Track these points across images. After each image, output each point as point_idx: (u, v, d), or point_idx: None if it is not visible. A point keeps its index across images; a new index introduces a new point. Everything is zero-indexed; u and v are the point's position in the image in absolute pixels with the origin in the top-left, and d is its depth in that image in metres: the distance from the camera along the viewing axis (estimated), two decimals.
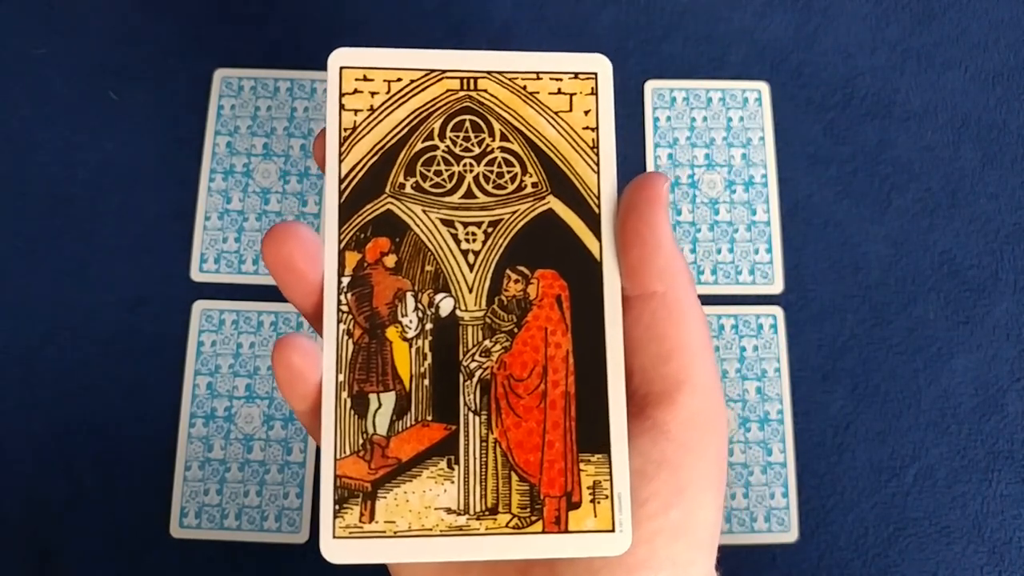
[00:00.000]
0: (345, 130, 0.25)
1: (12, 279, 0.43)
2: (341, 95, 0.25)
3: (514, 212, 0.25)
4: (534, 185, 0.25)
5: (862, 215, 0.44)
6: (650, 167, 0.44)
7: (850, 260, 0.43)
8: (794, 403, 0.42)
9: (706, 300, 0.43)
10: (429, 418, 0.24)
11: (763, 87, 0.46)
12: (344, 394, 0.24)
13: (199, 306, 0.42)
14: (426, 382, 0.24)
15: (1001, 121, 0.45)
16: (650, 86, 0.46)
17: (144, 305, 0.42)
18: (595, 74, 0.26)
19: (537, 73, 0.26)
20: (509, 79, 0.26)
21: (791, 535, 0.40)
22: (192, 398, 0.41)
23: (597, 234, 0.25)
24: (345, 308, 0.24)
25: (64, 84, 0.45)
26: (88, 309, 0.42)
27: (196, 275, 0.43)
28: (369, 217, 0.25)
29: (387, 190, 0.25)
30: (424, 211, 0.25)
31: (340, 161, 0.25)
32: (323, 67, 0.46)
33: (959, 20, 0.47)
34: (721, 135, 0.45)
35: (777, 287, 0.43)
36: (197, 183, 0.44)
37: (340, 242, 0.25)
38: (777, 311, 0.43)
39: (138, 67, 0.45)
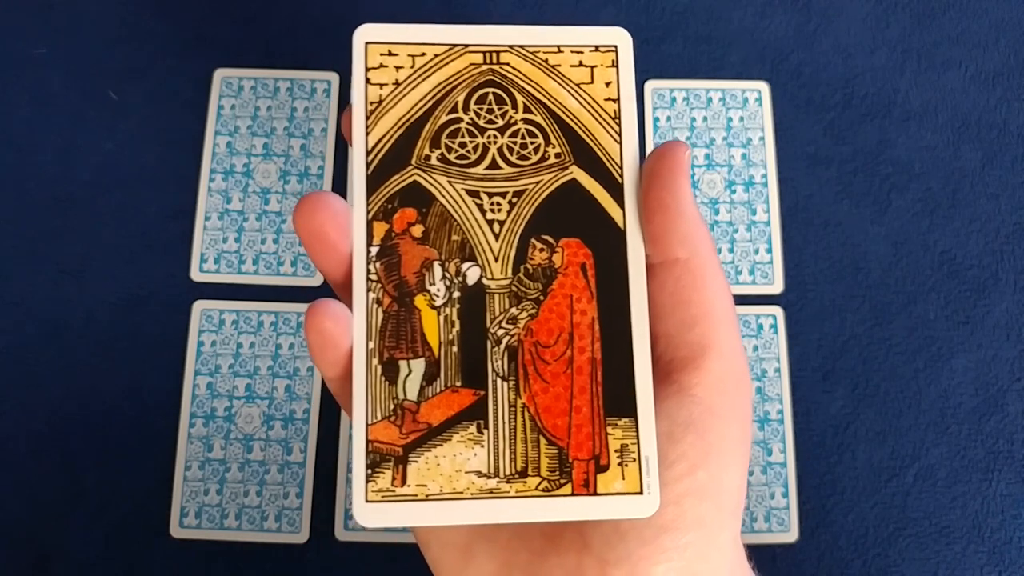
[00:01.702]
0: (371, 104, 0.26)
1: (12, 279, 0.43)
2: (367, 69, 0.26)
3: (538, 182, 0.26)
4: (557, 156, 0.26)
5: (862, 215, 0.44)
6: None
7: (850, 260, 0.43)
8: (794, 403, 0.42)
9: None
10: (458, 384, 0.24)
11: (763, 87, 0.46)
12: (375, 361, 0.24)
13: (199, 306, 0.42)
14: (455, 349, 0.25)
15: (1001, 121, 0.45)
16: (650, 86, 0.46)
17: (144, 305, 0.42)
18: (615, 47, 0.27)
19: (559, 46, 0.26)
20: (531, 52, 0.26)
21: (791, 535, 0.40)
22: (192, 398, 0.41)
23: (620, 203, 0.26)
24: (374, 277, 0.25)
25: (64, 84, 0.45)
26: (88, 309, 0.42)
27: (196, 275, 0.43)
28: (396, 188, 0.25)
29: (413, 162, 0.25)
30: (450, 182, 0.25)
31: (367, 134, 0.25)
32: (323, 67, 0.46)
33: (959, 20, 0.47)
34: (721, 135, 0.45)
35: (777, 287, 0.43)
36: (197, 183, 0.44)
37: (368, 213, 0.25)
38: (777, 311, 0.43)
39: (138, 67, 0.45)
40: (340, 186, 0.44)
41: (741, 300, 0.43)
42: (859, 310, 0.43)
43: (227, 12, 0.46)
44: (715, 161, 0.45)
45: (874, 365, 0.42)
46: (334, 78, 0.45)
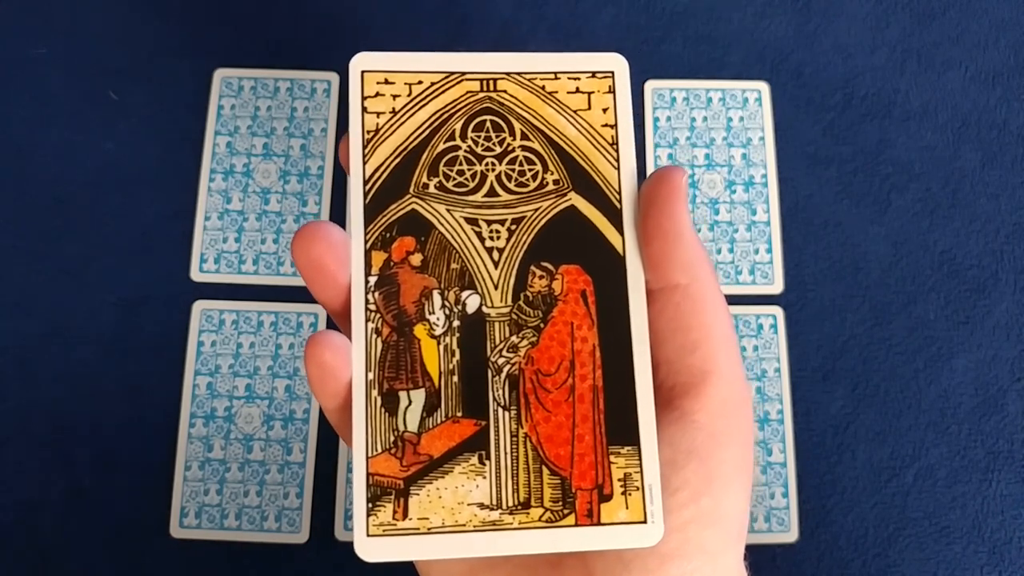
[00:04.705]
0: (368, 132, 0.26)
1: (12, 279, 0.43)
2: (363, 98, 0.26)
3: (537, 209, 0.26)
4: (555, 182, 0.26)
5: (862, 215, 0.44)
6: (650, 167, 0.44)
7: (850, 260, 0.43)
8: (794, 403, 0.42)
9: None
10: (459, 414, 0.24)
11: (763, 87, 0.46)
12: (374, 392, 0.24)
13: (199, 306, 0.42)
14: (455, 378, 0.24)
15: (1001, 121, 0.45)
16: (650, 86, 0.46)
17: (144, 305, 0.42)
18: (612, 73, 0.27)
19: (555, 73, 0.26)
20: (528, 79, 0.26)
21: (791, 535, 0.40)
22: (192, 398, 0.41)
23: (619, 229, 0.25)
24: (373, 307, 0.24)
25: (64, 84, 0.45)
26: (88, 309, 0.42)
27: (196, 275, 0.43)
28: (394, 217, 0.25)
29: (411, 190, 0.25)
30: (448, 210, 0.25)
31: (364, 163, 0.25)
32: (323, 67, 0.46)
33: (959, 20, 0.47)
34: (721, 135, 0.45)
35: (777, 287, 0.43)
36: (197, 183, 0.44)
37: (366, 242, 0.25)
38: (777, 311, 0.43)
39: (138, 67, 0.45)
40: (339, 186, 0.44)
41: (741, 300, 0.43)
42: (859, 310, 0.43)
43: (227, 12, 0.46)
44: (715, 161, 0.45)
45: (874, 365, 0.42)
46: (334, 78, 0.45)
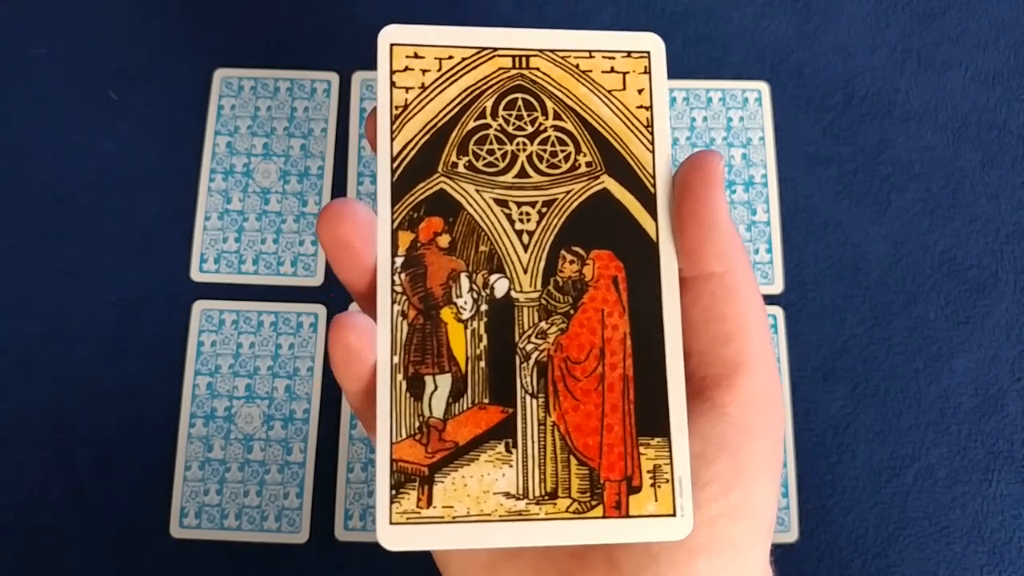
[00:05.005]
0: (396, 108, 0.25)
1: (12, 279, 0.43)
2: (392, 72, 0.25)
3: (568, 192, 0.25)
4: (588, 164, 0.25)
5: (862, 215, 0.44)
6: None
7: (850, 260, 0.43)
8: (794, 403, 0.42)
9: None
10: (486, 401, 0.24)
11: (763, 87, 0.46)
12: (399, 376, 0.23)
13: (199, 306, 0.42)
14: (482, 364, 0.24)
15: (1001, 121, 0.45)
16: None
17: (144, 305, 0.42)
18: (648, 53, 0.26)
19: (590, 51, 0.26)
20: (562, 57, 0.26)
21: (791, 535, 0.40)
22: (192, 398, 0.41)
23: (653, 214, 0.25)
24: (399, 289, 0.24)
25: (64, 84, 0.45)
26: (88, 309, 0.42)
27: (196, 275, 0.43)
28: (422, 196, 0.24)
29: (440, 169, 0.25)
30: (477, 191, 0.25)
31: (391, 140, 0.24)
32: (323, 67, 0.46)
33: (959, 20, 0.47)
34: (721, 135, 0.45)
35: (777, 287, 0.43)
36: (197, 183, 0.44)
37: (393, 222, 0.24)
38: (777, 311, 0.43)
39: (138, 67, 0.45)
40: (339, 187, 0.44)
41: None
42: (859, 310, 0.43)
43: (227, 12, 0.46)
44: None
45: (874, 365, 0.42)
46: (334, 78, 0.45)
